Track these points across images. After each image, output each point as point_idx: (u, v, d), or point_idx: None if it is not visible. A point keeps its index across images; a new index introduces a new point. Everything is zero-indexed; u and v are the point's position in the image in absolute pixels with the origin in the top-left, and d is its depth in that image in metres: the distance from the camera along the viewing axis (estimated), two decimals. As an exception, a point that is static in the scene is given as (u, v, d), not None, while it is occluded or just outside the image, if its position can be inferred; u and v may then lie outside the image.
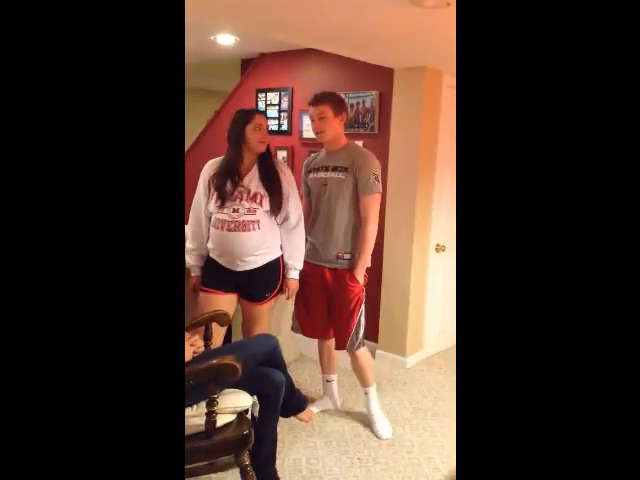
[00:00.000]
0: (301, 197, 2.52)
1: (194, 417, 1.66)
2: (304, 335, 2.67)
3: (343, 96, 3.48)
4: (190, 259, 2.41)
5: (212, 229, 2.35)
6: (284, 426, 2.49)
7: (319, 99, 2.40)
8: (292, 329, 2.70)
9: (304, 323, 2.63)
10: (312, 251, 2.52)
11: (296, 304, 2.65)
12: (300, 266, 2.44)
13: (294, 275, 2.43)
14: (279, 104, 3.93)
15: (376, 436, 2.49)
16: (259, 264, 2.32)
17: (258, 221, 2.29)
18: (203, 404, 1.64)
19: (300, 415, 2.43)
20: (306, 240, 2.53)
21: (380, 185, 2.41)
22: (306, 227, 2.52)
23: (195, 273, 2.42)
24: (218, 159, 2.41)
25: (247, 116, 2.30)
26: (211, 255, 2.37)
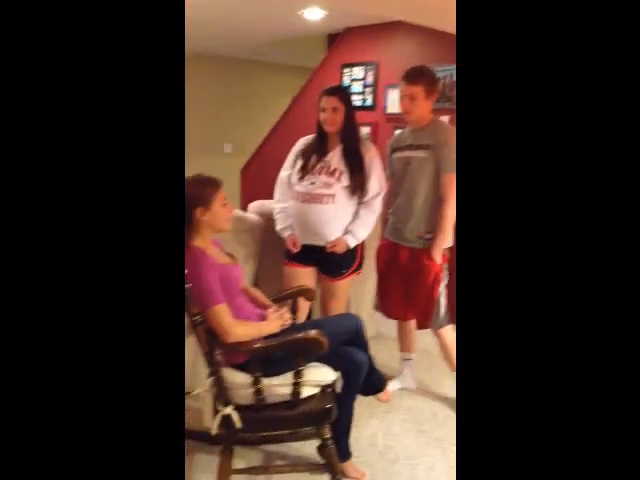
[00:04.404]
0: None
1: (280, 387, 1.71)
2: (384, 315, 2.67)
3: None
4: (280, 221, 2.45)
5: (290, 200, 2.41)
6: (362, 401, 2.50)
7: (413, 78, 2.28)
8: (375, 308, 2.71)
9: (383, 303, 2.64)
10: (393, 230, 2.50)
11: (377, 283, 2.67)
12: (359, 235, 2.36)
13: (347, 237, 2.34)
14: (364, 79, 3.89)
15: None
16: (332, 238, 2.34)
17: (333, 195, 2.31)
18: (289, 375, 1.69)
19: (379, 395, 2.48)
20: (387, 220, 2.53)
21: None
22: (389, 207, 2.50)
23: (288, 232, 2.42)
24: (310, 136, 2.48)
25: (319, 97, 2.36)
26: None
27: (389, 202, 2.55)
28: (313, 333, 1.61)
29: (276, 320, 1.80)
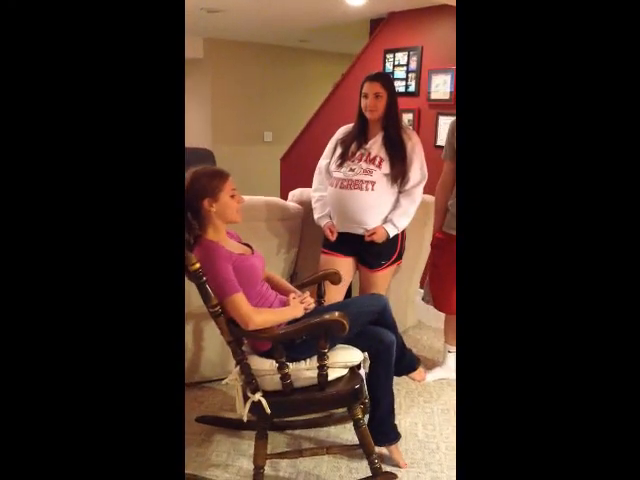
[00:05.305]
0: (426, 161, 2.42)
1: (307, 370, 1.72)
2: (436, 308, 2.58)
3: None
4: (318, 209, 2.44)
5: (329, 187, 2.39)
6: (401, 390, 2.50)
7: None
8: (423, 300, 2.64)
9: (437, 296, 2.53)
10: (452, 220, 2.37)
11: (430, 276, 2.58)
12: (399, 224, 2.30)
13: (387, 226, 2.29)
14: (407, 64, 3.81)
15: None
16: (371, 226, 2.30)
17: (373, 182, 2.26)
18: (315, 359, 1.70)
19: (412, 375, 2.45)
20: (447, 210, 2.42)
21: None
22: (449, 195, 2.41)
23: (326, 220, 2.40)
24: (351, 125, 2.45)
25: (362, 83, 2.34)
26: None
27: (449, 191, 2.43)
28: (332, 315, 1.60)
29: (298, 305, 1.79)
